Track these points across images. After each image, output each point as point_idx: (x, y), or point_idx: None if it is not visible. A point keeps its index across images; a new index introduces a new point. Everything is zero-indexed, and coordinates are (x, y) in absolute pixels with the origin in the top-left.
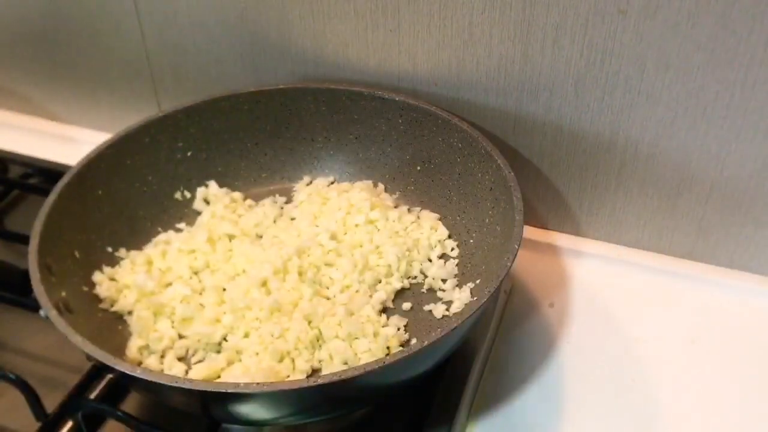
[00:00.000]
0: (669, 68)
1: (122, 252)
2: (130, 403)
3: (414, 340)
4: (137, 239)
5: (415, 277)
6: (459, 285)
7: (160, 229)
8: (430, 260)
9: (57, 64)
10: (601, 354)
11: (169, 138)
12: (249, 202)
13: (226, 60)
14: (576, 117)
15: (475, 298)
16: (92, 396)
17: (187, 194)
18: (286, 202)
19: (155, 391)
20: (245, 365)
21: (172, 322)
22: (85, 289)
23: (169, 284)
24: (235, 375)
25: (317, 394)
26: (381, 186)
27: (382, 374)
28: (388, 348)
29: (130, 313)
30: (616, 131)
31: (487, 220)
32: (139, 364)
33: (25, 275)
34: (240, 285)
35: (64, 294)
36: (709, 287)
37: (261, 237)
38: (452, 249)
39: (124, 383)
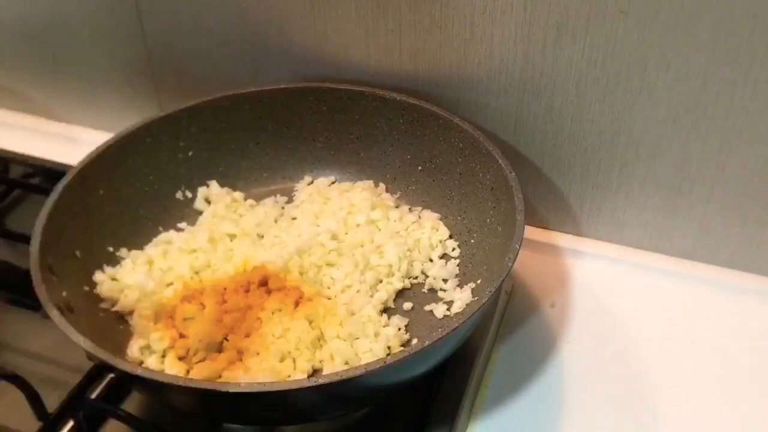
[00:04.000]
0: (670, 68)
1: (123, 252)
2: (131, 403)
3: (415, 341)
4: (138, 239)
5: (416, 277)
6: (460, 285)
7: (161, 228)
8: (431, 260)
9: (58, 64)
10: (602, 354)
11: (171, 138)
12: (250, 201)
13: (228, 60)
14: (577, 117)
15: (476, 298)
16: (93, 396)
17: (189, 194)
18: (288, 202)
19: (156, 390)
20: (246, 365)
21: (174, 321)
22: (87, 288)
23: (170, 284)
24: (236, 375)
25: (318, 394)
26: (382, 186)
27: (383, 374)
28: (389, 348)
29: (131, 312)
30: (618, 131)
31: (488, 220)
32: (140, 363)
33: (26, 275)
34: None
35: (65, 294)
36: (709, 287)
37: (262, 237)
38: (453, 249)
39: (125, 383)
